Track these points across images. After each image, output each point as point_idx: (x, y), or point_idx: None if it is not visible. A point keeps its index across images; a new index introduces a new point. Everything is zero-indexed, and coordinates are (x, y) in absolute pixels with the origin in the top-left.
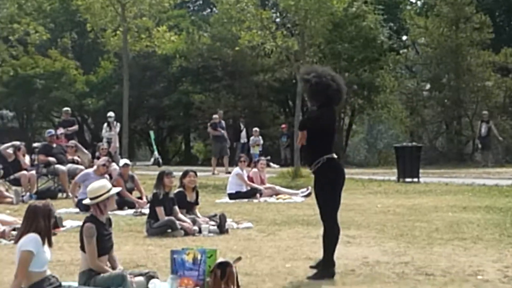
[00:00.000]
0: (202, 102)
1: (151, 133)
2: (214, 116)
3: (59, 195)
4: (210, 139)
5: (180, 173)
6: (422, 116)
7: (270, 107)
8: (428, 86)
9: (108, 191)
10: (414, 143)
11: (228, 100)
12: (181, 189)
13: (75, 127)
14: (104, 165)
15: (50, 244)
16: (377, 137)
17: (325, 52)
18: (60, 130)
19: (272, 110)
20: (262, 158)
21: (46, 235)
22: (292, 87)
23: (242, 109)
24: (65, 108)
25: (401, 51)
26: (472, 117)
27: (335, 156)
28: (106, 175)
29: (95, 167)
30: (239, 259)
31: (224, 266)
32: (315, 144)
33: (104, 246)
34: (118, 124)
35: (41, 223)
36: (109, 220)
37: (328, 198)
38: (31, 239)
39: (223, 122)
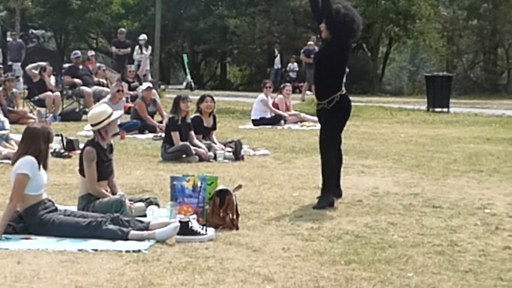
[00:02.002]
0: (237, 27)
1: (185, 56)
2: (309, 43)
3: (83, 117)
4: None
5: (215, 98)
6: (457, 46)
7: (306, 33)
8: (465, 15)
9: (109, 116)
10: (445, 73)
11: (263, 25)
12: (198, 114)
13: (128, 49)
14: (118, 91)
15: (45, 168)
16: (419, 65)
17: None
18: (113, 49)
19: (308, 37)
20: (288, 84)
21: (43, 159)
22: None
23: (277, 35)
24: (121, 29)
25: None
26: (508, 47)
27: (345, 90)
28: (123, 99)
29: (109, 95)
30: (239, 187)
31: (223, 194)
32: (331, 81)
33: (103, 171)
34: (150, 47)
35: (39, 146)
36: (110, 146)
37: (333, 131)
38: (27, 162)
39: (316, 48)
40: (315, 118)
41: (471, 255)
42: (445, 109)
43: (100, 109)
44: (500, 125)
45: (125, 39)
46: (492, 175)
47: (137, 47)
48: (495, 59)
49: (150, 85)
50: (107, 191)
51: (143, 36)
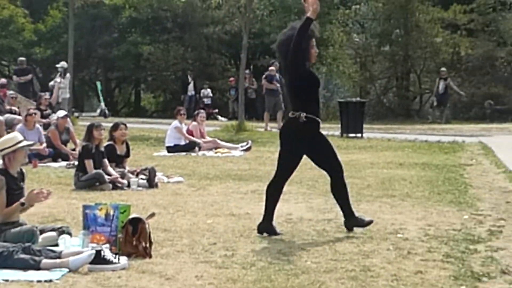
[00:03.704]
0: (151, 54)
1: (98, 83)
2: (270, 68)
3: None
4: (263, 92)
5: (129, 125)
6: (370, 71)
7: (220, 60)
8: (377, 41)
9: (17, 143)
10: (358, 98)
11: (177, 52)
12: (111, 142)
13: (28, 76)
14: (29, 114)
15: None
16: (333, 91)
17: (276, 5)
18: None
19: (221, 63)
20: (202, 110)
21: None
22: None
23: (191, 62)
24: (20, 58)
25: (352, 7)
26: (420, 73)
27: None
28: (38, 125)
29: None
30: (152, 215)
31: (136, 222)
32: None
33: (13, 199)
34: (68, 74)
35: None
36: (22, 174)
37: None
38: None
39: (277, 75)
40: (230, 145)
41: (383, 280)
42: (359, 135)
43: (10, 135)
44: (412, 150)
45: (26, 66)
46: (405, 200)
47: (58, 74)
48: (408, 85)
49: (65, 113)
50: (18, 220)
51: (62, 64)
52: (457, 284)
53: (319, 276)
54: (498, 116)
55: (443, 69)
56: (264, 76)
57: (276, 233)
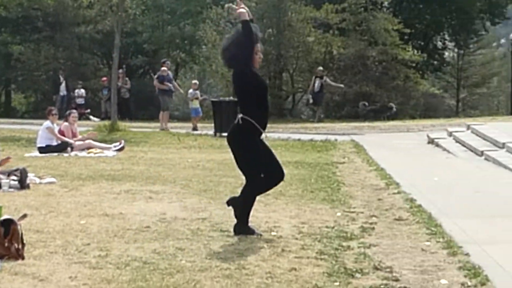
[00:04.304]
0: (22, 53)
1: None
2: (162, 68)
3: None
4: (156, 93)
5: None
6: None
7: (92, 59)
8: None
9: None
10: (231, 98)
11: (49, 51)
12: None
13: None
14: None
15: None
16: (206, 91)
17: (148, 4)
18: None
19: (93, 63)
20: (74, 111)
21: None
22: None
23: (63, 61)
24: None
25: (225, 5)
26: (292, 72)
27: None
28: None
29: None
30: (24, 216)
31: (8, 224)
32: None
33: None
34: None
35: None
36: None
37: None
38: None
39: (170, 74)
40: (103, 145)
41: (258, 277)
42: None
43: None
44: (286, 149)
45: None
46: (278, 198)
47: None
48: (280, 84)
49: None
50: None
51: None
52: (331, 281)
53: (194, 275)
54: (373, 115)
55: (320, 68)
56: (156, 76)
57: (253, 233)
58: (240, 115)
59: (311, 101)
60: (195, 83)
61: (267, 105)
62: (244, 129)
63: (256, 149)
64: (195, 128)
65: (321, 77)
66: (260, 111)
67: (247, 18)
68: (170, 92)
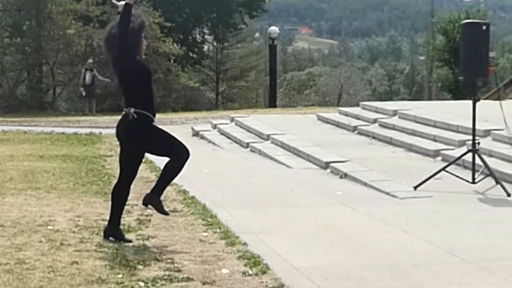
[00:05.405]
0: None
1: None
2: None
3: None
4: None
5: None
6: (2, 63)
7: None
8: (7, 33)
9: None
10: None
11: None
12: None
13: None
14: None
15: None
16: None
17: None
18: None
19: None
20: None
21: None
22: None
23: None
24: None
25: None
26: (53, 65)
27: None
28: None
29: None
30: None
31: None
32: None
33: None
34: None
35: None
36: None
37: None
38: None
39: None
40: None
41: (40, 272)
42: None
43: None
44: (51, 142)
45: None
46: (50, 192)
47: None
48: (41, 77)
49: None
50: None
51: None
52: (114, 273)
53: None
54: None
55: (90, 60)
56: None
57: (124, 239)
58: (131, 110)
59: (84, 93)
60: None
61: (152, 95)
62: (140, 123)
63: (152, 143)
64: None
65: (91, 70)
66: (151, 101)
67: (131, 1)
68: None
